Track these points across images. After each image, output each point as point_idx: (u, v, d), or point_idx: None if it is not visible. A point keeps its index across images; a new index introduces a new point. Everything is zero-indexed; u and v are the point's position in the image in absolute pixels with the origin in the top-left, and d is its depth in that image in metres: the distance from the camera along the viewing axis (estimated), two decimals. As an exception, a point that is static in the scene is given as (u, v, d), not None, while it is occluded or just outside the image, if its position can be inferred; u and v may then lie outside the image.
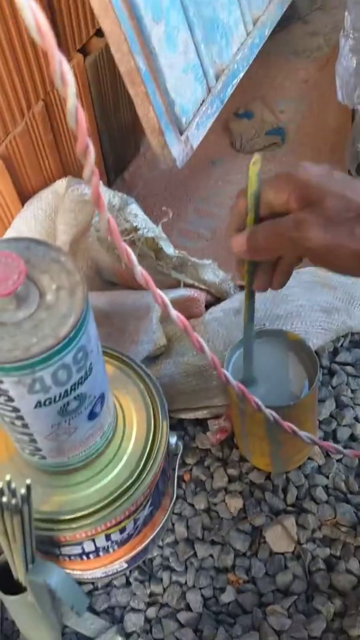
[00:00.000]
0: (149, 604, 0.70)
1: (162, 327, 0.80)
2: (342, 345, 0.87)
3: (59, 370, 0.47)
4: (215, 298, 0.88)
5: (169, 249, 0.82)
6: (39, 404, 0.48)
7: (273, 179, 0.50)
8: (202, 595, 0.70)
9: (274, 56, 1.25)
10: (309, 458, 0.78)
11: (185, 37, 0.84)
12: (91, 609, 0.70)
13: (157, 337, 0.79)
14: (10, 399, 0.48)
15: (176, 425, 0.82)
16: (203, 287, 0.85)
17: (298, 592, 0.70)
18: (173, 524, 0.75)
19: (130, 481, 0.60)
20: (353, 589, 0.69)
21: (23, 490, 0.49)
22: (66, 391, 0.49)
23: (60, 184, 0.84)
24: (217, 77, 0.92)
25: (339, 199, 0.47)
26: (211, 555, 0.73)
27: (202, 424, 0.82)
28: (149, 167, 1.09)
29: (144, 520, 0.65)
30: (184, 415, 0.80)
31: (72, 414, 0.52)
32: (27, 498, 0.50)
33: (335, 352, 0.87)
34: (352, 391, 0.85)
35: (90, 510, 0.58)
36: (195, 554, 0.73)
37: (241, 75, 0.96)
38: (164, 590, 0.71)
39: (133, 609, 0.70)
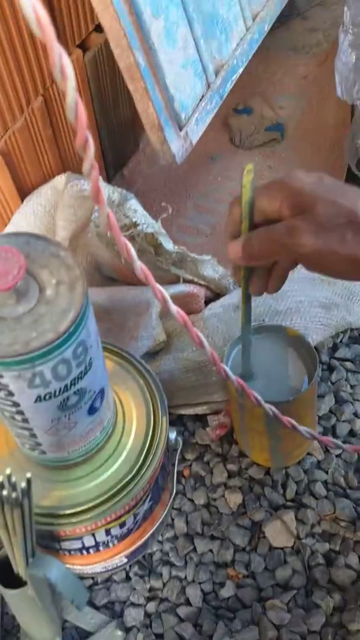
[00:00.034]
0: (148, 599, 0.71)
1: (161, 323, 0.81)
2: (341, 341, 0.87)
3: (59, 364, 0.47)
4: (215, 294, 0.88)
5: (168, 245, 0.82)
6: (39, 399, 0.48)
7: (266, 187, 0.51)
8: (202, 590, 0.71)
9: (273, 52, 1.25)
10: (308, 453, 0.79)
11: (185, 33, 0.83)
12: (91, 604, 0.70)
13: (156, 333, 0.79)
14: (10, 394, 0.48)
15: (176, 421, 0.82)
16: (202, 282, 0.85)
17: (297, 586, 0.70)
18: (173, 519, 0.75)
19: (130, 476, 0.60)
20: (352, 584, 0.70)
21: (23, 484, 0.49)
22: (66, 386, 0.49)
23: (60, 179, 0.84)
24: (217, 73, 0.92)
25: (330, 205, 0.47)
26: (211, 550, 0.73)
27: (201, 419, 0.82)
28: (149, 163, 1.09)
29: (144, 515, 0.65)
30: (183, 411, 0.81)
31: (72, 408, 0.52)
32: (27, 492, 0.50)
33: (334, 347, 0.87)
34: (352, 387, 0.85)
35: (90, 505, 0.59)
36: (194, 549, 0.73)
37: (240, 70, 0.96)
38: (164, 585, 0.71)
39: (133, 604, 0.70)
